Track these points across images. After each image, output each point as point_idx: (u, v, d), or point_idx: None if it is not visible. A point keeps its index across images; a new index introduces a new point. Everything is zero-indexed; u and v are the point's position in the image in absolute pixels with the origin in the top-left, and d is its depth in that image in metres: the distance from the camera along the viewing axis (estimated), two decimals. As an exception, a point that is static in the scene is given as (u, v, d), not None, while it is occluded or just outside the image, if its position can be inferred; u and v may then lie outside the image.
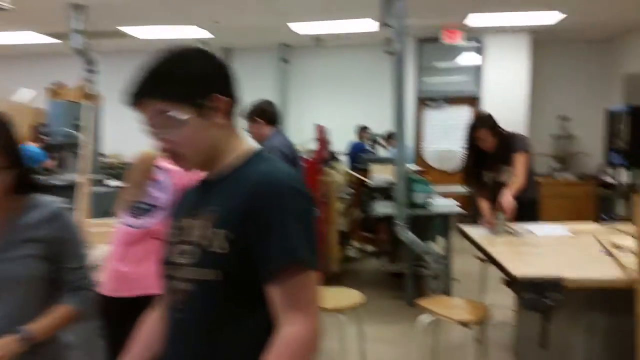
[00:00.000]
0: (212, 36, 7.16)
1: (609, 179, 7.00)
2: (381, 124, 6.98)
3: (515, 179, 3.34)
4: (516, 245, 2.64)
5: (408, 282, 4.01)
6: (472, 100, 7.56)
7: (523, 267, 2.11)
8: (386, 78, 7.93)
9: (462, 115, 7.61)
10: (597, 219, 7.07)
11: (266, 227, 0.95)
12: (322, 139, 4.18)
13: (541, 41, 7.37)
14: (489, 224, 3.12)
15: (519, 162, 3.37)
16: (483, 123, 3.39)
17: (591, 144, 7.54)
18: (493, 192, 3.44)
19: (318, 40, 7.40)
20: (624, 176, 6.70)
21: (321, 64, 8.15)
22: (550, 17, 6.33)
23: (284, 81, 8.11)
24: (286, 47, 7.98)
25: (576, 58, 7.80)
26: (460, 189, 6.11)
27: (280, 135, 3.28)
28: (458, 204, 4.25)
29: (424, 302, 2.55)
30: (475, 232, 2.98)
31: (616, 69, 7.44)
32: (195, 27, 6.79)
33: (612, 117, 6.84)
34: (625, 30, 7.09)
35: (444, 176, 7.64)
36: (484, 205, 3.28)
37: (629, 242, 2.39)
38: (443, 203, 4.35)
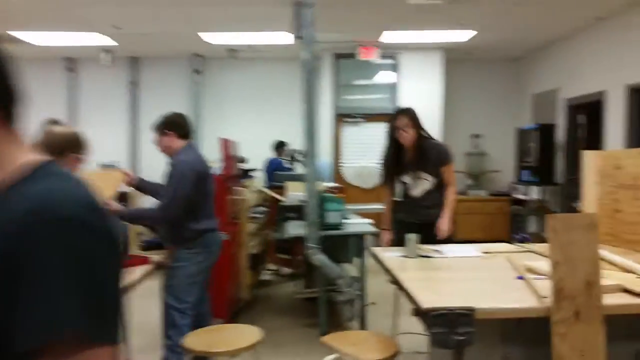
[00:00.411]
0: (115, 44, 6.61)
1: (520, 196, 7.20)
2: (300, 140, 6.73)
3: (451, 196, 3.23)
4: (427, 270, 2.43)
5: (321, 310, 3.72)
6: (389, 117, 7.52)
7: (433, 297, 1.89)
8: (300, 90, 7.81)
9: (380, 133, 7.57)
10: (510, 235, 7.29)
11: (21, 280, 0.62)
12: (228, 155, 3.83)
13: (454, 59, 7.53)
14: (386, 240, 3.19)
15: (451, 174, 3.25)
16: (404, 111, 3.29)
17: (503, 162, 7.76)
18: (406, 206, 3.27)
19: (232, 52, 7.07)
20: (534, 193, 6.92)
21: (237, 77, 7.82)
22: (462, 35, 6.46)
23: (196, 93, 7.68)
24: (199, 58, 7.57)
25: (488, 77, 8.05)
26: (379, 206, 6.01)
27: (192, 150, 2.99)
28: (373, 222, 4.05)
29: (329, 339, 2.27)
30: (388, 254, 2.76)
31: (525, 88, 7.75)
32: (97, 33, 6.23)
33: (522, 135, 7.07)
34: (532, 50, 7.41)
35: (362, 194, 7.52)
36: (387, 212, 3.30)
37: (542, 265, 2.26)
38: (358, 222, 4.13)
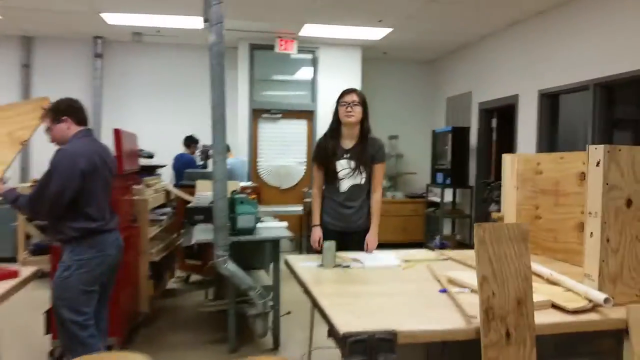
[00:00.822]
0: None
1: (435, 198, 7.26)
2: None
3: (379, 203, 3.02)
4: (344, 283, 2.18)
5: (230, 324, 3.37)
6: (308, 114, 7.30)
7: (350, 318, 1.63)
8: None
9: (299, 130, 7.32)
10: (426, 237, 7.36)
11: None
12: (123, 148, 3.36)
13: (371, 58, 7.46)
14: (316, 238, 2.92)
15: (382, 177, 3.04)
16: (355, 89, 3.00)
17: (419, 164, 7.81)
18: (330, 208, 3.00)
19: (138, 36, 6.47)
20: (448, 195, 7.00)
21: (143, 63, 7.21)
22: (379, 33, 6.39)
23: (97, 79, 6.96)
24: (100, 41, 6.86)
25: (404, 78, 8.08)
26: (297, 208, 5.75)
27: (86, 139, 2.66)
28: (286, 226, 3.77)
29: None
30: (302, 264, 2.48)
31: (440, 91, 7.86)
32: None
33: (437, 138, 7.13)
34: (447, 53, 7.52)
35: (279, 194, 7.22)
36: (317, 205, 3.01)
37: (464, 275, 2.09)
38: (274, 226, 3.83)
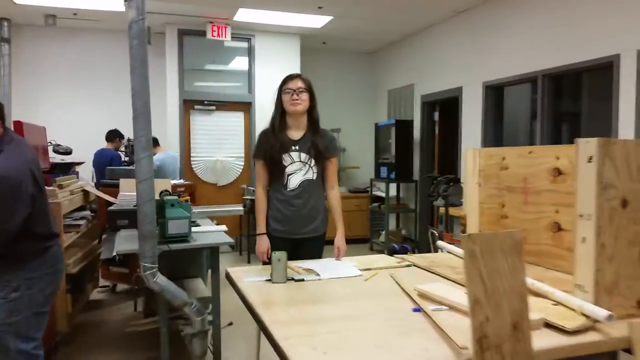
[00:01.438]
0: None
1: (379, 193, 7.07)
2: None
3: (337, 202, 2.73)
4: (299, 304, 1.84)
5: (163, 345, 2.93)
6: (245, 106, 6.87)
7: (312, 356, 1.30)
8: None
9: (235, 123, 6.88)
10: (371, 232, 7.17)
11: None
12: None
13: (310, 49, 7.14)
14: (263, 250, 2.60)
15: (335, 170, 2.73)
16: (300, 75, 2.66)
17: (362, 158, 7.60)
18: (280, 212, 2.64)
19: (51, 18, 5.75)
20: (392, 190, 6.82)
21: (57, 50, 6.46)
22: (318, 21, 6.08)
23: (5, 66, 6.15)
24: (7, 23, 6.05)
25: (344, 69, 7.84)
26: (236, 208, 5.25)
27: (21, 144, 2.27)
28: (225, 230, 3.37)
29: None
30: (248, 280, 2.12)
31: (381, 83, 7.67)
32: None
33: (380, 131, 6.94)
34: (387, 44, 7.33)
35: (216, 192, 6.75)
36: (261, 210, 2.65)
37: (439, 289, 1.82)
38: (211, 230, 3.41)
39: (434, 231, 3.99)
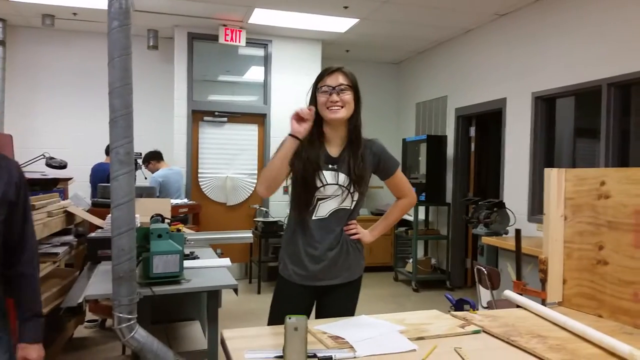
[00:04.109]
0: None
1: (406, 216, 6.36)
2: (141, 141, 5.16)
3: (406, 207, 2.15)
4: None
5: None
6: (259, 118, 6.27)
7: None
8: (148, 80, 6.17)
9: (248, 137, 6.29)
10: (395, 260, 6.46)
11: None
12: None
13: (331, 58, 6.54)
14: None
15: (405, 182, 2.14)
16: (342, 68, 1.95)
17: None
18: (303, 250, 1.96)
19: (49, 19, 5.25)
20: (421, 213, 6.13)
21: (56, 53, 5.97)
22: (341, 24, 5.50)
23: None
24: (2, 24, 5.59)
25: (369, 80, 7.19)
26: (246, 235, 4.26)
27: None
28: (229, 265, 2.71)
29: None
30: (251, 355, 1.46)
31: (408, 95, 7.03)
32: None
33: (408, 147, 6.28)
34: (415, 54, 6.72)
35: (225, 213, 6.13)
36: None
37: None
38: (211, 265, 2.75)
39: (482, 268, 3.29)
